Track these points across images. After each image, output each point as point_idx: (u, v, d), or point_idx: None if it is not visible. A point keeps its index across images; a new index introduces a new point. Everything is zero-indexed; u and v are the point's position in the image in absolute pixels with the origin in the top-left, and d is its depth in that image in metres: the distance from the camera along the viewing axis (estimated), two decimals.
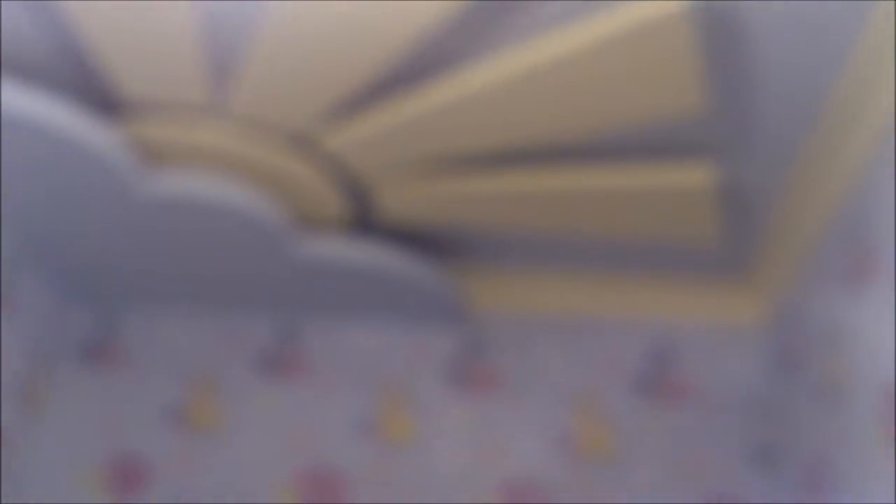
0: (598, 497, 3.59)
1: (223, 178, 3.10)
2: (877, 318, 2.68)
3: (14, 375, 3.53)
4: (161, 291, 3.68)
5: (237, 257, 3.38)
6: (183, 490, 3.59)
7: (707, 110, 2.88)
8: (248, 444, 3.67)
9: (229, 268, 3.46)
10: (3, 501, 3.48)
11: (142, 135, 3.00)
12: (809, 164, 3.05)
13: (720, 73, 2.75)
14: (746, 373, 3.75)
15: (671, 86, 2.68)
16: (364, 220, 3.50)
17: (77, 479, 3.62)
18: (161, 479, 3.61)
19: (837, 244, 3.03)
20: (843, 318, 2.95)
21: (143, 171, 3.00)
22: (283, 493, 3.60)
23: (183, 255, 3.39)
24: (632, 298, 3.84)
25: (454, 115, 2.86)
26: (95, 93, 3.07)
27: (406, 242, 3.69)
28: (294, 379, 3.75)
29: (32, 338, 3.64)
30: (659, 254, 3.66)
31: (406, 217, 3.39)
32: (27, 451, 3.65)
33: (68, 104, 3.00)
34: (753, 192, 3.27)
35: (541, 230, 3.40)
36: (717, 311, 3.83)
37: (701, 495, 3.60)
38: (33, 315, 3.63)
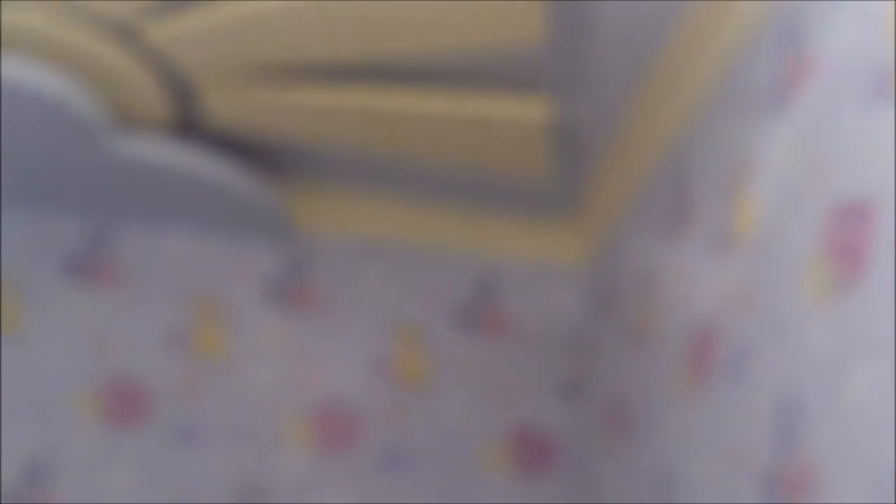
0: (410, 422, 3.60)
1: (38, 62, 2.90)
2: (690, 264, 2.74)
3: None
4: None
5: (48, 151, 3.18)
6: None
7: (545, 45, 2.85)
8: (49, 350, 3.50)
9: (39, 162, 3.26)
10: None
11: None
12: (641, 108, 3.07)
13: (561, 10, 2.72)
14: (565, 309, 3.80)
15: (510, 14, 2.64)
16: (188, 124, 3.35)
17: None
18: None
19: (660, 189, 3.08)
20: (658, 262, 3.01)
21: None
22: (83, 403, 3.46)
23: None
24: (459, 229, 3.83)
25: (282, 21, 2.75)
26: None
27: (233, 153, 3.55)
28: (102, 285, 3.59)
29: None
30: (489, 187, 3.65)
31: (232, 124, 3.26)
32: None
33: None
34: (585, 132, 3.28)
35: (369, 150, 3.33)
36: (541, 247, 3.86)
37: (509, 424, 3.66)
38: None
